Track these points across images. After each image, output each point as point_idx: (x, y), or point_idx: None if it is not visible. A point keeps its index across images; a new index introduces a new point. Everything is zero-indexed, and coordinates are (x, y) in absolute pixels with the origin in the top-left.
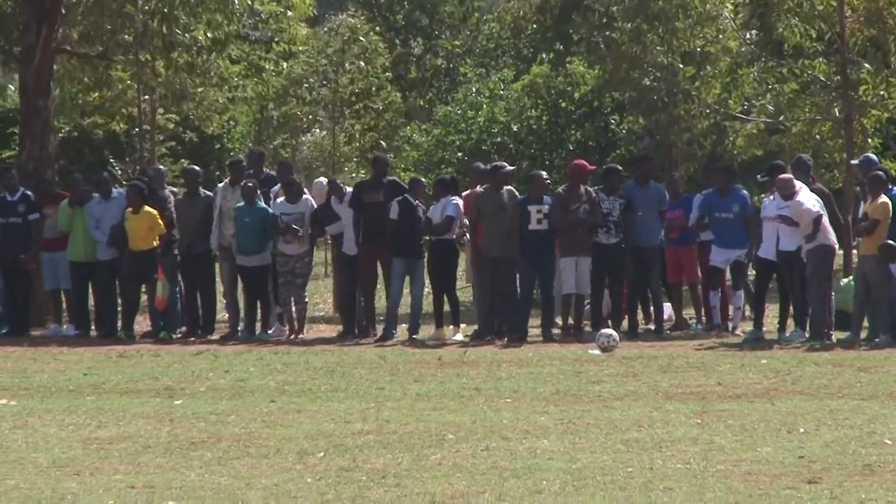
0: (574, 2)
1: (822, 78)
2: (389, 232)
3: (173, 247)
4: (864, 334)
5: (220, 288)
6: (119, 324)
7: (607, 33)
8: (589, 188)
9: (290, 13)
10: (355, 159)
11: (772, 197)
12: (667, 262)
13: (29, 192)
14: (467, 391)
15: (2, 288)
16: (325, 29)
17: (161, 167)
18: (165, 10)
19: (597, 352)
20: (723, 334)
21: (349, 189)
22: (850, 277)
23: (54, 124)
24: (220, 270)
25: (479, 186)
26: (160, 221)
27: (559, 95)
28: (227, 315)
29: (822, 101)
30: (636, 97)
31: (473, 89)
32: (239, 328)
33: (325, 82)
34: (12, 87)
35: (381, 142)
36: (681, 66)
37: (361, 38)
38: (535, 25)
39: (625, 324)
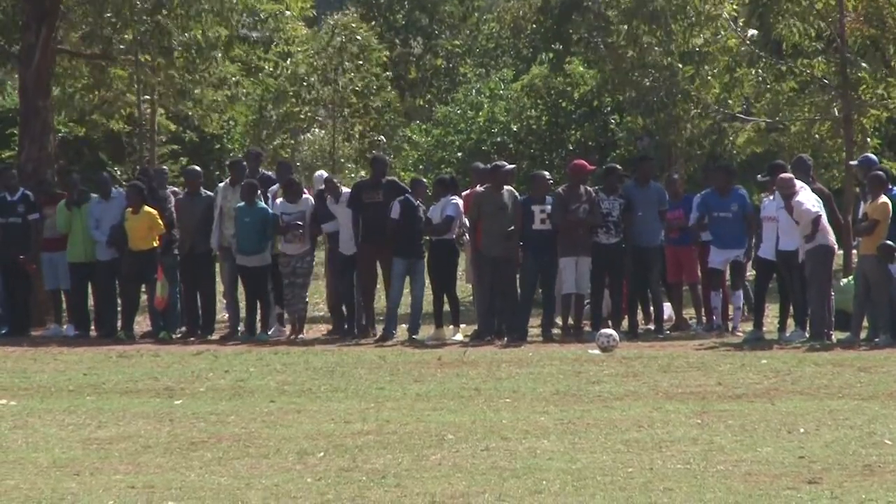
0: (574, 2)
1: (820, 77)
2: (390, 232)
3: (173, 247)
4: (864, 334)
5: (220, 288)
6: (119, 324)
7: (605, 38)
8: (589, 188)
9: (287, 13)
10: (354, 158)
11: (772, 197)
12: (667, 262)
13: (28, 193)
14: (467, 391)
15: (1, 288)
16: (323, 28)
17: (164, 168)
18: (163, 11)
19: (597, 352)
20: (723, 334)
21: (345, 189)
22: (850, 277)
23: (53, 124)
24: (221, 270)
25: (479, 186)
26: (160, 221)
27: (559, 95)
28: (227, 315)
29: (821, 101)
30: (636, 97)
31: (473, 89)
32: (239, 328)
33: (324, 82)
34: (10, 83)
35: (382, 137)
36: (679, 65)
37: (358, 36)
38: (534, 25)
39: (625, 324)
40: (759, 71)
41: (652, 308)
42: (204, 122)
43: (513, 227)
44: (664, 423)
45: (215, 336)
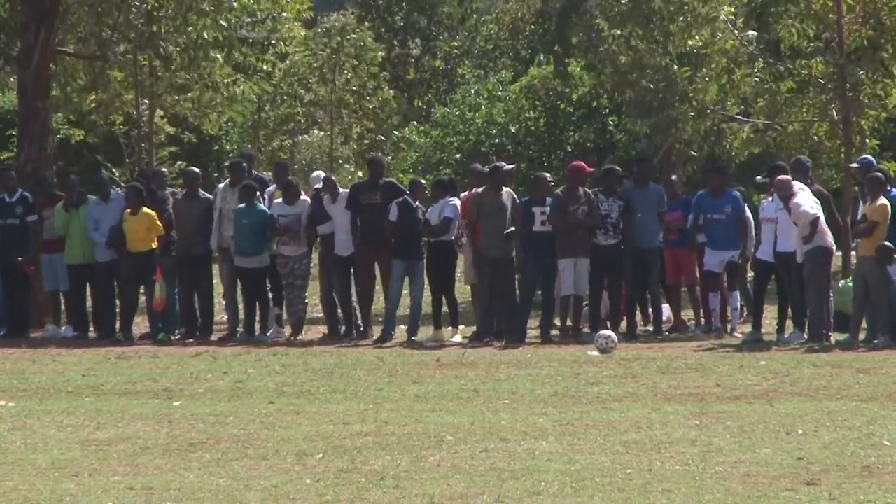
0: (573, 4)
1: (818, 78)
2: (389, 234)
3: (172, 248)
4: (862, 336)
5: (219, 289)
6: (117, 325)
7: (599, 45)
8: (587, 190)
9: (284, 14)
10: (353, 160)
11: (770, 198)
12: (665, 264)
13: (27, 194)
14: (466, 392)
15: (0, 289)
16: (321, 29)
17: (162, 169)
18: (160, 14)
19: (595, 353)
20: (721, 336)
21: (343, 190)
22: (849, 279)
23: (52, 126)
24: (220, 272)
25: (476, 188)
26: (158, 223)
27: (557, 97)
28: (225, 316)
29: (819, 102)
30: (634, 98)
31: (472, 91)
32: (238, 330)
33: (322, 82)
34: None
35: (382, 136)
36: (676, 66)
37: (353, 35)
38: (532, 27)
39: (623, 325)
40: (758, 72)
41: (651, 309)
42: (202, 123)
43: (512, 229)
44: (663, 424)
45: (214, 337)
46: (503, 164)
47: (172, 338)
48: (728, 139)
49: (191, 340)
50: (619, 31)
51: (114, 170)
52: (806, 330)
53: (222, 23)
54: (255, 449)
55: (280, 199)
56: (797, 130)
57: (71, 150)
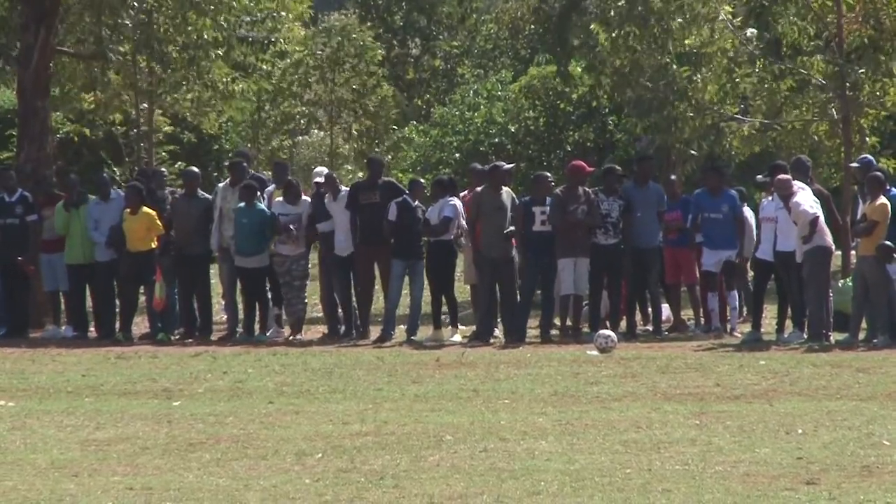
0: (572, 3)
1: (819, 78)
2: (388, 233)
3: (171, 248)
4: (862, 335)
5: (218, 289)
6: (117, 325)
7: (594, 49)
8: (587, 189)
9: (284, 13)
10: (352, 159)
11: (770, 198)
12: (665, 263)
13: (27, 194)
14: (465, 392)
15: (0, 289)
16: (321, 28)
17: (161, 168)
18: (158, 15)
19: (595, 353)
20: (721, 335)
21: (343, 188)
22: (849, 278)
23: (51, 125)
24: (219, 272)
25: (477, 187)
26: (158, 222)
27: (557, 96)
28: (225, 316)
29: (818, 101)
30: (633, 98)
31: (471, 91)
32: (237, 329)
33: (321, 82)
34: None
35: (383, 134)
36: (675, 65)
37: (354, 35)
38: (532, 27)
39: (623, 325)
40: (758, 71)
41: (650, 309)
42: (200, 122)
43: (512, 228)
44: (662, 423)
45: (214, 337)
46: (502, 163)
47: (172, 338)
48: (728, 139)
49: (190, 340)
50: (614, 34)
51: (114, 169)
52: (805, 329)
53: (222, 23)
54: (255, 449)
55: (281, 199)
56: (797, 129)
57: (71, 150)
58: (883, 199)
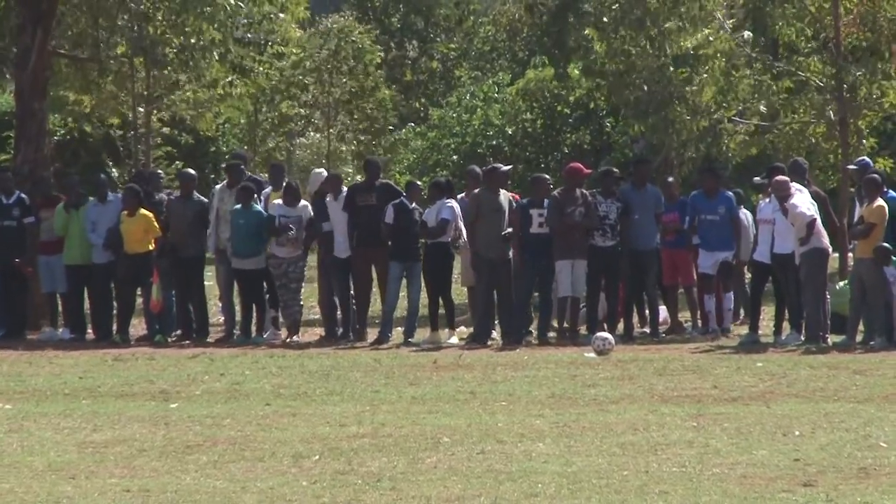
0: (566, 3)
1: (816, 80)
2: (385, 236)
3: (167, 249)
4: (859, 337)
5: (215, 291)
6: (114, 327)
7: (592, 55)
8: (585, 191)
9: (282, 15)
10: (350, 161)
11: (767, 200)
12: (663, 265)
13: (24, 196)
14: (463, 394)
15: None
16: (318, 30)
17: (158, 170)
18: (156, 18)
19: (592, 355)
20: (718, 337)
21: (343, 189)
22: (846, 281)
23: (49, 127)
24: (216, 273)
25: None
26: (156, 224)
27: (554, 99)
28: (222, 318)
29: (816, 103)
30: (630, 101)
31: (468, 93)
32: (234, 331)
33: (319, 84)
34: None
35: (380, 137)
36: (672, 67)
37: (353, 38)
38: (529, 29)
39: (620, 327)
40: (755, 73)
41: (648, 311)
42: (197, 122)
43: (510, 230)
44: (660, 426)
45: (211, 339)
46: (500, 165)
47: (169, 340)
48: (725, 141)
49: (187, 342)
50: (610, 39)
51: (115, 169)
52: (803, 331)
53: (216, 27)
54: (252, 451)
55: (279, 201)
56: (794, 131)
57: (68, 151)
58: (880, 202)
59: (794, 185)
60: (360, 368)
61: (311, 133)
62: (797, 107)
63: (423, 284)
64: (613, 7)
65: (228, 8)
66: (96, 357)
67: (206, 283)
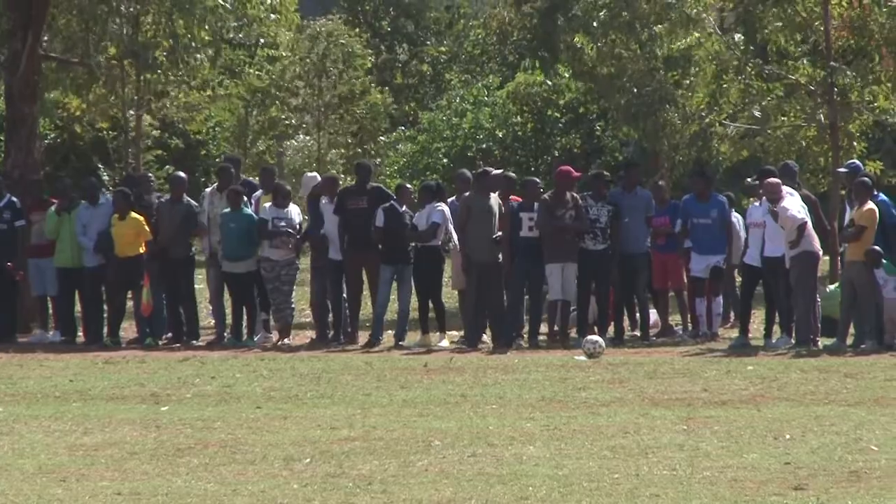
0: (554, 5)
1: (806, 83)
2: (375, 239)
3: (157, 252)
4: (850, 340)
5: (205, 294)
6: (105, 330)
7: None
8: (575, 195)
9: (273, 16)
10: (341, 163)
11: (758, 203)
12: (653, 269)
13: (15, 199)
14: (453, 397)
15: None
16: (307, 34)
17: (149, 174)
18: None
19: (583, 358)
20: (708, 340)
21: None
22: (837, 284)
23: (39, 131)
24: (206, 276)
25: (465, 193)
26: (147, 227)
27: (544, 102)
28: (213, 321)
29: (806, 107)
30: (621, 104)
31: (458, 97)
32: (225, 334)
33: (308, 87)
34: None
35: (371, 142)
36: (661, 70)
37: (342, 41)
38: (517, 33)
39: (611, 330)
40: (746, 77)
41: (638, 314)
42: (188, 124)
43: (500, 233)
44: (650, 429)
45: (202, 342)
46: (491, 168)
47: (160, 343)
48: (715, 144)
49: (178, 345)
50: (599, 44)
51: (106, 172)
52: (793, 335)
53: (206, 30)
54: (243, 454)
55: (269, 204)
56: (785, 135)
57: (59, 155)
58: (870, 205)
59: (785, 189)
60: (351, 371)
61: (302, 136)
62: (787, 110)
63: (413, 288)
64: (601, 13)
65: (218, 8)
66: (87, 360)
67: (196, 286)
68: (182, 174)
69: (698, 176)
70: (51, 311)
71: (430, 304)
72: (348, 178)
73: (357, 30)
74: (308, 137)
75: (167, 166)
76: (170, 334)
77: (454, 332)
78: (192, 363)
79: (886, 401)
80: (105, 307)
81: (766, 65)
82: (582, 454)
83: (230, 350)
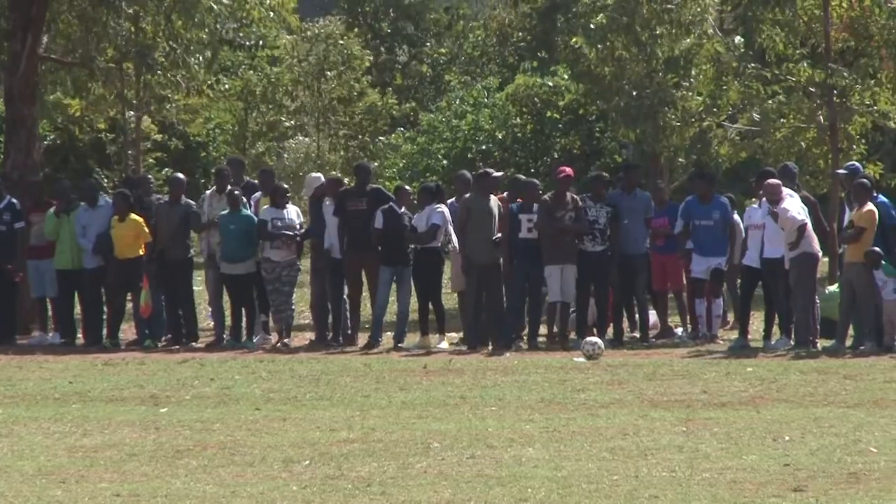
0: (554, 5)
1: (805, 85)
2: (375, 241)
3: (156, 254)
4: (849, 342)
5: (205, 296)
6: (104, 332)
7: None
8: (575, 196)
9: (272, 14)
10: (341, 166)
11: (757, 205)
12: (652, 270)
13: (14, 201)
14: (453, 399)
15: None
16: (306, 35)
17: (148, 175)
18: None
19: (582, 360)
20: (708, 342)
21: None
22: (836, 285)
23: (39, 132)
24: (205, 278)
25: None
26: (146, 229)
27: (544, 104)
28: (212, 323)
29: (806, 109)
30: (621, 106)
31: (457, 98)
32: (224, 336)
33: (307, 89)
34: None
35: (371, 144)
36: (661, 72)
37: (341, 41)
38: (517, 35)
39: (610, 331)
40: (746, 79)
41: (637, 316)
42: (188, 126)
43: (500, 235)
44: (649, 430)
45: (201, 344)
46: (491, 170)
47: (159, 344)
48: (715, 146)
49: (177, 347)
50: (599, 47)
51: (105, 174)
52: (792, 336)
53: (205, 31)
54: (242, 455)
55: (268, 206)
56: (784, 136)
57: (58, 157)
58: (870, 206)
59: (785, 190)
60: (350, 373)
61: (301, 137)
62: (787, 112)
63: (412, 289)
64: (599, 17)
65: (217, 9)
66: (86, 362)
67: (195, 287)
68: (181, 175)
69: (698, 177)
70: (50, 312)
71: (430, 306)
72: (348, 180)
73: (356, 31)
74: (307, 139)
75: (167, 168)
76: (169, 336)
77: (453, 334)
78: (192, 365)
79: (885, 402)
80: (104, 309)
81: (765, 68)
82: (581, 456)
83: (229, 352)
